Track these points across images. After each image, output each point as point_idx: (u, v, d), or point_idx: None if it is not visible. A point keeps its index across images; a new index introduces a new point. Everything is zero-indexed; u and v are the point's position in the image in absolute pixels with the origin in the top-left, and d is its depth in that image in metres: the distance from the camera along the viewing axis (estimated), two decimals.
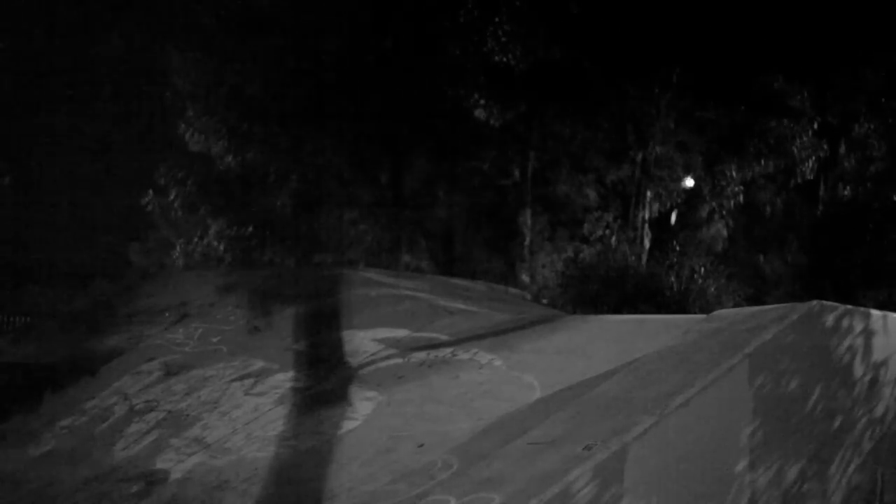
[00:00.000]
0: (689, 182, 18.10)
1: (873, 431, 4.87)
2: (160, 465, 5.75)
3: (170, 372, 7.65)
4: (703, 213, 17.97)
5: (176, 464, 5.68)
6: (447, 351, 6.62)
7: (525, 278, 16.57)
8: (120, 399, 7.34)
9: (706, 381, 4.19)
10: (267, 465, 5.23)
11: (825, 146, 17.25)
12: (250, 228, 15.43)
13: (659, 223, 18.08)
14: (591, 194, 17.82)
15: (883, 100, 16.94)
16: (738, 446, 4.21)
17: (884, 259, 15.52)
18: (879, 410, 4.92)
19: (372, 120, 16.27)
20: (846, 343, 4.76)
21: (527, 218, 17.38)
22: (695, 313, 9.39)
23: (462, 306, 8.64)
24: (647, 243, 17.31)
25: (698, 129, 17.25)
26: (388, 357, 6.80)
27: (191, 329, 8.82)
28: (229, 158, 15.88)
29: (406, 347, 6.94)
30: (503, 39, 15.30)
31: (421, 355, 6.61)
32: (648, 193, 17.58)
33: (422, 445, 4.86)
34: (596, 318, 8.59)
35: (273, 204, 16.07)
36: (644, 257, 16.48)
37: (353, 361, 6.85)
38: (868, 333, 4.88)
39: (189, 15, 15.59)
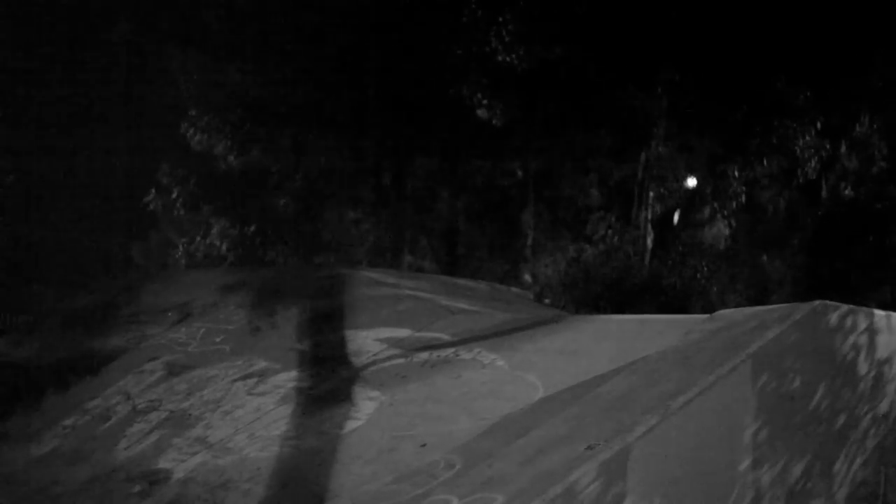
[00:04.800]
0: (692, 182, 18.10)
1: (878, 428, 4.87)
2: (163, 464, 5.75)
3: (172, 372, 7.65)
4: (706, 212, 17.96)
5: (178, 463, 5.68)
6: (450, 351, 6.62)
7: (527, 278, 16.56)
8: (122, 399, 7.35)
9: (709, 380, 4.19)
10: (269, 465, 5.23)
11: (827, 146, 17.23)
12: (252, 228, 15.43)
13: (661, 223, 18.07)
14: (594, 194, 17.83)
15: (885, 100, 16.93)
16: (742, 445, 4.20)
17: (886, 259, 15.51)
18: (883, 408, 4.92)
19: (374, 119, 16.29)
20: (850, 341, 4.75)
21: (529, 218, 17.38)
22: (697, 313, 9.37)
23: (464, 306, 8.63)
24: (649, 243, 17.29)
25: (701, 129, 17.23)
26: (390, 357, 6.80)
27: (193, 329, 8.82)
28: (232, 158, 15.91)
29: (409, 347, 6.94)
30: (507, 39, 15.29)
31: (423, 355, 6.61)
32: (651, 193, 17.56)
33: (424, 445, 4.86)
34: (598, 318, 8.58)
35: (275, 203, 16.09)
36: (647, 257, 16.47)
37: (356, 361, 6.85)
38: (871, 332, 4.88)
39: (191, 14, 15.62)
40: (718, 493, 4.09)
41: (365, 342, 7.29)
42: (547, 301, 13.78)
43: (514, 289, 14.07)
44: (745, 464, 4.19)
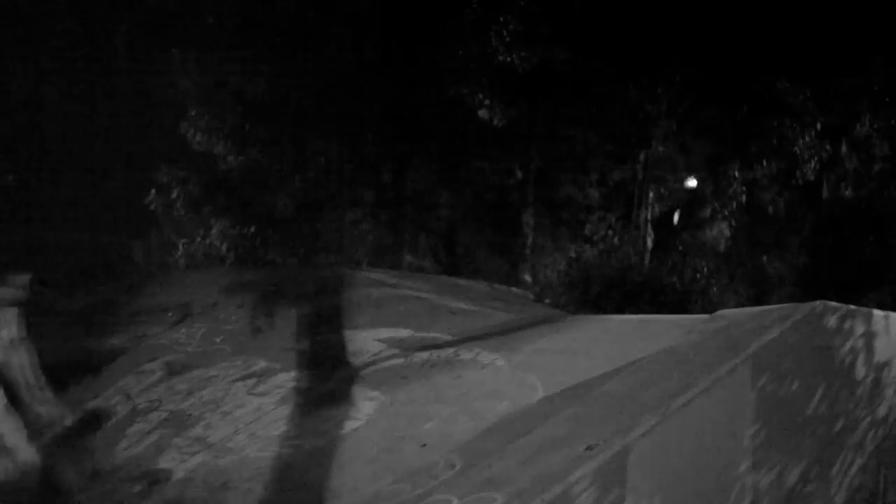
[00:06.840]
0: (692, 182, 18.10)
1: (876, 432, 4.86)
2: (163, 464, 5.76)
3: (172, 372, 7.65)
4: (706, 213, 17.96)
5: (179, 463, 5.69)
6: (450, 351, 6.63)
7: (527, 278, 16.56)
8: (122, 399, 7.34)
9: (708, 381, 4.19)
10: (270, 465, 5.24)
11: (827, 146, 17.22)
12: (253, 228, 15.42)
13: (661, 223, 18.07)
14: (594, 194, 17.82)
15: (886, 99, 16.92)
16: (741, 447, 4.21)
17: (886, 259, 15.50)
18: (882, 411, 4.92)
19: (375, 119, 16.29)
20: (849, 344, 4.75)
21: (529, 218, 17.39)
22: (697, 313, 9.38)
23: (464, 306, 8.65)
24: (649, 243, 17.31)
25: (701, 130, 17.24)
26: (390, 357, 6.81)
27: (193, 329, 8.82)
28: (232, 158, 15.90)
29: (409, 347, 6.95)
30: (507, 39, 15.30)
31: (423, 355, 6.62)
32: (651, 193, 17.57)
33: (424, 445, 4.87)
34: (598, 318, 8.58)
35: (275, 204, 16.08)
36: (647, 257, 16.47)
37: (356, 361, 6.85)
38: (870, 334, 4.88)
39: (192, 15, 15.61)
40: (717, 495, 4.10)
41: (365, 342, 7.30)
42: (547, 301, 13.78)
43: (514, 289, 14.08)
44: (745, 465, 4.19)
